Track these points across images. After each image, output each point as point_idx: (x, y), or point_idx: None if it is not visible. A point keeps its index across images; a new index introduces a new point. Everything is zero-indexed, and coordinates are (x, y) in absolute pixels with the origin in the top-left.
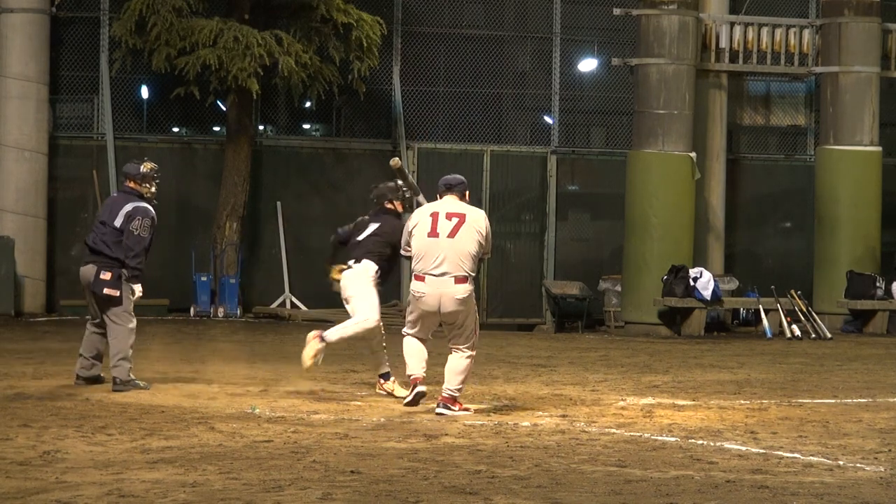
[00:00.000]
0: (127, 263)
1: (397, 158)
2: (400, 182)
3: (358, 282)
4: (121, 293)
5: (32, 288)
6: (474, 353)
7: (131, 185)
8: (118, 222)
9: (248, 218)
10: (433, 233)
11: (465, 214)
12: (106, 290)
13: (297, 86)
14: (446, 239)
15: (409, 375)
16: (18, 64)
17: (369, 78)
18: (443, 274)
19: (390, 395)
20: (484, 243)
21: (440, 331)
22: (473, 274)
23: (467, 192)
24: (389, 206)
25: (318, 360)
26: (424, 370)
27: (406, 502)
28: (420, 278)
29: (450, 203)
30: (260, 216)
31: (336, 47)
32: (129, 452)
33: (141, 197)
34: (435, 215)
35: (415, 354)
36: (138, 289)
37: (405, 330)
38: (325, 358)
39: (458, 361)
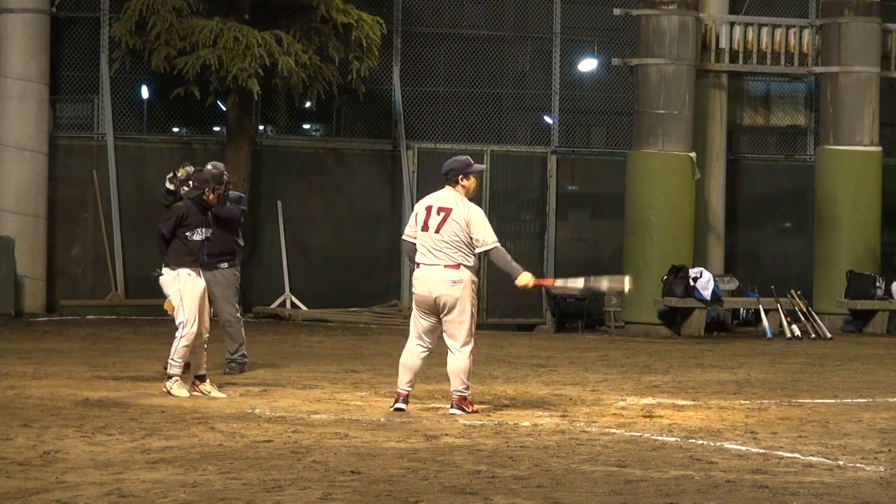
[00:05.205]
0: None
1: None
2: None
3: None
4: None
5: (32, 288)
6: (471, 349)
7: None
8: None
9: (248, 218)
10: (425, 227)
11: (451, 209)
12: None
13: (297, 86)
14: (434, 234)
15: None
16: (18, 64)
17: (369, 78)
18: (434, 264)
19: (207, 395)
20: (472, 233)
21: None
22: (468, 263)
23: (461, 177)
24: (208, 195)
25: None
26: (411, 386)
27: (406, 502)
28: (417, 266)
29: (443, 196)
30: (260, 216)
31: (336, 47)
32: (129, 452)
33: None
34: (429, 209)
35: (406, 369)
36: None
37: (410, 338)
38: (325, 358)
39: (457, 361)
